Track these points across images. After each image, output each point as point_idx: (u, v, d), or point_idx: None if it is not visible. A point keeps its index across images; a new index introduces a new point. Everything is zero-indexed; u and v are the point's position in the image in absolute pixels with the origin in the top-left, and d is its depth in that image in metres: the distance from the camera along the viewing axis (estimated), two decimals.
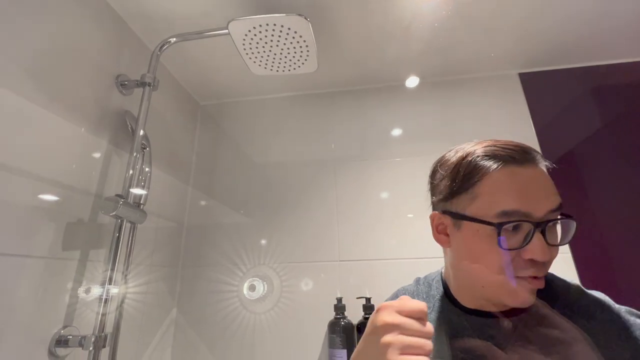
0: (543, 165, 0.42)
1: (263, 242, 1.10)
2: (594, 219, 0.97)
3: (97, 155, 0.77)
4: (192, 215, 1.17)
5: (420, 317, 0.34)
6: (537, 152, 0.42)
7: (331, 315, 0.94)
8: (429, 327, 0.34)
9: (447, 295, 0.49)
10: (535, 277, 0.40)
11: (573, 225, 0.40)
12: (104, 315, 0.65)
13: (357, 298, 0.93)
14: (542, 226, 0.38)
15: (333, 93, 1.26)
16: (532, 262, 0.39)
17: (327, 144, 1.19)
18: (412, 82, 1.20)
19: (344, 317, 0.92)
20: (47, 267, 0.63)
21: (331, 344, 0.88)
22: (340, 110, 1.23)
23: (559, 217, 0.40)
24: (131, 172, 0.76)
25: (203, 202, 1.19)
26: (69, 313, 0.67)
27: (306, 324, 0.98)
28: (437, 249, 0.99)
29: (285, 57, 0.87)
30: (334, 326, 0.90)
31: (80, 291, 0.70)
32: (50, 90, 0.67)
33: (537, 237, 0.38)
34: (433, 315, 0.48)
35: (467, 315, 0.46)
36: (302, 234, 1.08)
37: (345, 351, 0.86)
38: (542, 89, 1.12)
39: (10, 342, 0.56)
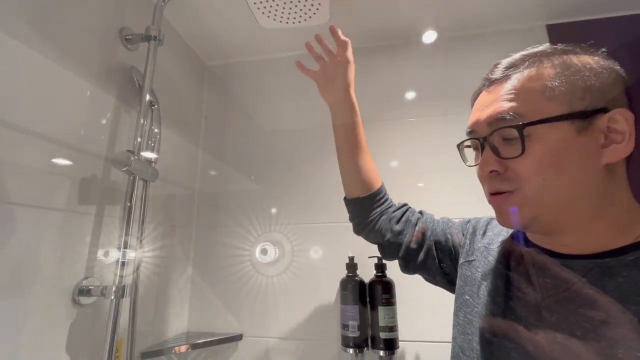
0: (516, 78, 0.38)
1: (275, 205, 1.10)
2: None
3: (105, 111, 0.76)
4: (204, 179, 1.17)
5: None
6: (513, 66, 0.39)
7: (343, 273, 0.95)
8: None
9: None
10: (493, 194, 0.40)
11: (513, 133, 0.36)
12: (122, 267, 0.67)
13: (369, 257, 0.94)
14: (485, 140, 0.39)
15: None
16: (487, 178, 0.40)
17: None
18: (429, 36, 1.13)
19: (356, 275, 0.93)
20: (66, 220, 0.64)
21: (343, 300, 0.90)
22: None
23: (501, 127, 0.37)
24: (141, 122, 0.74)
25: (214, 167, 1.18)
26: (90, 265, 0.69)
27: (319, 282, 1.00)
28: (449, 210, 0.98)
29: (296, 6, 0.82)
30: (345, 283, 0.91)
31: (99, 245, 0.72)
32: (55, 43, 0.64)
33: (485, 151, 0.39)
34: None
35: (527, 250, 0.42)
36: (314, 197, 1.08)
37: (357, 307, 0.88)
38: (571, 43, 1.04)
39: (37, 291, 0.59)
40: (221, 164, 1.18)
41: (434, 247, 0.56)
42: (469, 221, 0.56)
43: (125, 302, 0.71)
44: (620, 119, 0.34)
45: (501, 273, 0.43)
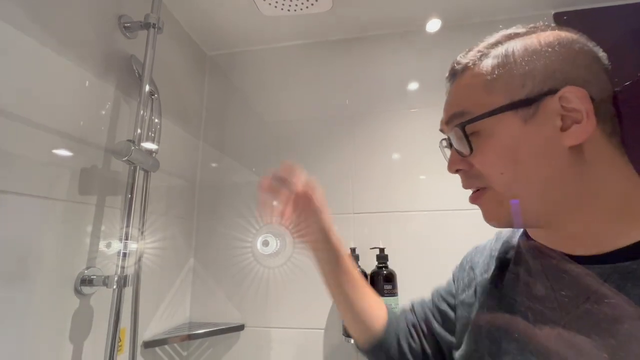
0: (467, 75, 0.37)
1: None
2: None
3: (105, 101, 0.75)
4: (205, 170, 1.16)
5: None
6: (466, 62, 0.38)
7: None
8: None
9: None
10: (471, 194, 0.40)
11: (459, 132, 0.36)
12: (124, 257, 0.67)
13: (371, 248, 0.94)
14: (449, 139, 0.40)
15: (346, 40, 1.17)
16: (461, 178, 0.40)
17: (340, 93, 1.14)
18: (433, 25, 1.10)
19: (357, 266, 0.93)
20: (67, 210, 0.64)
21: None
22: (355, 59, 1.16)
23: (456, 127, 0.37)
24: (141, 113, 0.73)
25: (215, 157, 1.18)
26: (91, 256, 0.69)
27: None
28: (451, 202, 0.97)
29: None
30: None
31: (101, 236, 0.71)
32: (53, 31, 0.63)
33: (451, 150, 0.40)
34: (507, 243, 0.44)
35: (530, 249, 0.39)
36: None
37: None
38: (579, 31, 1.02)
39: (39, 281, 0.59)
40: (222, 154, 1.17)
41: (436, 329, 0.49)
42: (452, 275, 0.52)
43: (128, 293, 0.72)
44: (572, 97, 0.31)
45: (506, 294, 0.39)
